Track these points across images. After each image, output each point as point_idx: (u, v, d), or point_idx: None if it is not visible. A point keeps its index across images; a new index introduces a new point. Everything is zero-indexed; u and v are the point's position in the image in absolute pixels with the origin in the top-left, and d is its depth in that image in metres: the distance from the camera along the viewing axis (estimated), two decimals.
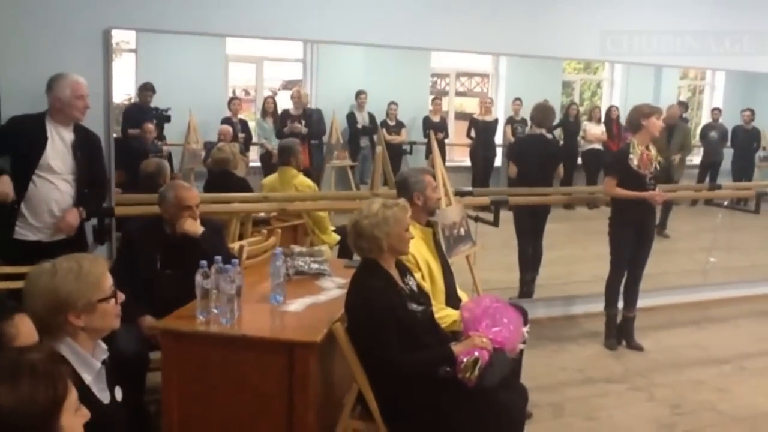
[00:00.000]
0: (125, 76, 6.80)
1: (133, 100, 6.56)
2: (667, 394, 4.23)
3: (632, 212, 4.72)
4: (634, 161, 4.64)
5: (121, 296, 2.05)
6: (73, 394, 1.42)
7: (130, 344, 3.05)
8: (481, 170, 8.10)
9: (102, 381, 1.98)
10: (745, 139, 8.83)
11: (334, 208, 5.50)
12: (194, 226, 3.42)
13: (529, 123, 6.19)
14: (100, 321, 1.99)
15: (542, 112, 5.65)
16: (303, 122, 6.86)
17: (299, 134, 6.64)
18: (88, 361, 1.94)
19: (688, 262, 6.57)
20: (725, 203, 6.74)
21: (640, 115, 4.69)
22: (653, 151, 4.75)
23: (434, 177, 3.77)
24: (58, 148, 3.60)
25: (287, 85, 8.46)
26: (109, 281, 2.03)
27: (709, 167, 8.49)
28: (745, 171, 8.75)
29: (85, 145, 3.69)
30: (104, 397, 1.96)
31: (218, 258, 2.94)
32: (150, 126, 6.08)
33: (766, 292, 6.32)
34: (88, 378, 1.91)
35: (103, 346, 2.04)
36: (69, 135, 3.63)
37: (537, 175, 5.58)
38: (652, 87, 9.08)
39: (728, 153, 8.77)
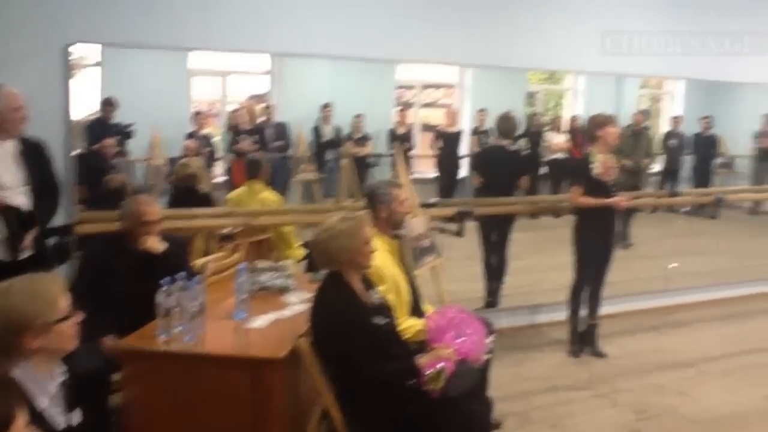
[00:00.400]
0: (90, 92, 6.73)
1: (96, 116, 6.49)
2: (631, 399, 4.29)
3: (597, 220, 4.80)
4: (596, 170, 4.73)
5: (79, 316, 2.02)
6: (20, 419, 1.39)
7: (91, 364, 3.00)
8: (446, 181, 8.14)
9: (59, 404, 1.95)
10: (704, 146, 9.04)
11: (300, 222, 5.49)
12: (155, 243, 3.39)
13: (494, 134, 6.25)
14: (57, 342, 1.95)
15: (506, 123, 5.71)
16: (257, 136, 6.84)
17: (248, 152, 6.62)
18: (45, 385, 1.91)
19: (649, 268, 6.68)
20: (685, 210, 6.88)
21: (595, 126, 4.79)
22: (613, 159, 4.84)
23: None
24: (4, 163, 3.52)
25: (253, 99, 8.45)
26: (66, 301, 1.99)
27: (670, 174, 8.66)
28: (705, 177, 8.95)
29: (31, 153, 3.61)
30: (60, 422, 1.93)
31: (181, 275, 2.93)
32: (109, 141, 6.00)
33: (726, 296, 6.46)
34: (43, 402, 1.89)
35: (61, 367, 2.01)
36: (12, 147, 3.55)
37: (501, 186, 5.64)
38: (613, 96, 9.25)
39: (688, 160, 8.96)
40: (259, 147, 6.52)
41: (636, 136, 7.78)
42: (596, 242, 4.84)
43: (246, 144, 6.83)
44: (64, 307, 1.98)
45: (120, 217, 3.46)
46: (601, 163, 4.74)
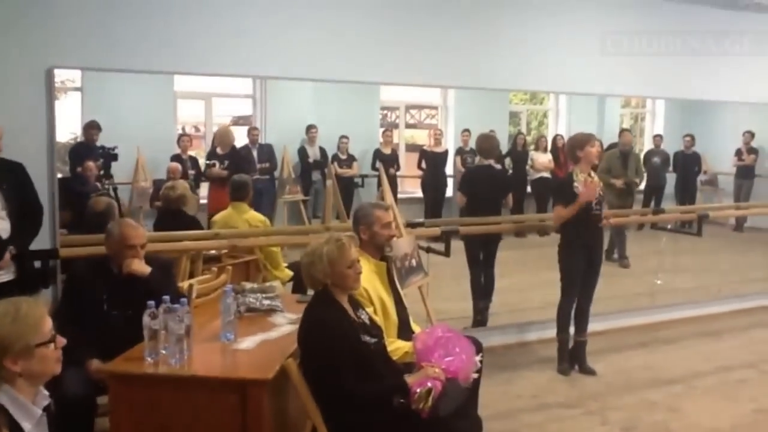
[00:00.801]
0: (71, 115, 6.71)
1: (78, 139, 6.47)
2: (621, 416, 4.28)
3: (581, 237, 4.82)
4: (579, 188, 4.76)
5: (62, 341, 1.99)
6: None
7: (77, 388, 2.97)
8: (432, 201, 8.18)
9: (44, 429, 1.92)
10: (687, 163, 9.16)
11: (287, 243, 5.48)
12: (141, 266, 3.36)
13: (476, 155, 6.29)
14: (39, 366, 1.92)
15: (487, 143, 5.75)
16: (226, 162, 6.81)
17: (219, 178, 6.61)
18: (28, 409, 1.89)
19: (636, 285, 6.71)
20: (669, 226, 6.94)
21: (575, 146, 4.84)
22: (596, 177, 4.88)
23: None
24: None
25: (237, 121, 8.47)
26: (48, 325, 1.96)
27: (653, 192, 8.75)
28: (688, 194, 9.05)
29: (8, 176, 3.60)
30: None
31: (166, 297, 2.90)
32: (91, 164, 5.98)
33: (711, 312, 6.49)
34: (27, 426, 1.86)
35: (45, 392, 1.98)
36: None
37: (486, 205, 5.66)
38: (595, 115, 9.37)
39: (671, 177, 9.06)
40: (230, 171, 6.47)
41: (624, 156, 7.86)
42: (580, 259, 4.86)
43: (216, 170, 6.82)
44: (46, 331, 1.95)
45: (105, 241, 3.42)
46: (582, 182, 4.77)
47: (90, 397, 3.06)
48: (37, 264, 3.93)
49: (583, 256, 4.86)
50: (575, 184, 4.77)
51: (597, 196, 4.80)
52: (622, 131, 8.25)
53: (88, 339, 3.11)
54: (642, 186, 8.81)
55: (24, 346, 1.89)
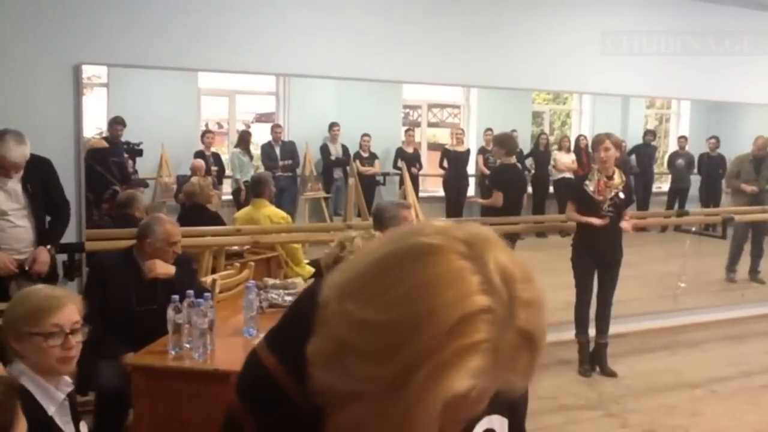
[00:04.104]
0: (97, 111, 6.78)
1: (103, 134, 6.54)
2: (641, 419, 4.25)
3: (588, 237, 4.82)
4: (590, 187, 4.76)
5: (72, 343, 1.97)
6: (20, 427, 1.40)
7: (111, 380, 3.03)
8: (454, 200, 8.15)
9: (66, 414, 1.95)
10: (711, 165, 9.04)
11: (308, 240, 5.50)
12: (165, 268, 3.37)
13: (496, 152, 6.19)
14: (36, 356, 1.93)
15: (511, 141, 5.75)
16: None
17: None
18: (50, 393, 1.93)
19: (658, 288, 6.65)
20: (693, 229, 6.86)
21: (593, 146, 4.96)
22: (618, 179, 4.83)
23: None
24: (7, 191, 3.59)
25: (260, 118, 8.51)
26: (54, 320, 1.95)
27: (678, 194, 8.66)
28: (713, 197, 8.94)
29: (35, 174, 3.66)
30: (69, 430, 1.94)
31: (190, 292, 2.93)
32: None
33: (734, 317, 6.41)
34: (51, 409, 1.89)
35: (68, 380, 2.01)
36: (18, 176, 3.62)
37: (512, 205, 5.67)
38: (619, 116, 9.28)
39: (695, 179, 8.96)
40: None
41: (757, 161, 7.37)
42: (588, 260, 4.85)
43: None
44: (46, 324, 1.94)
45: (143, 235, 3.40)
46: (595, 181, 4.76)
47: (123, 389, 3.09)
48: (64, 257, 4.00)
49: (591, 257, 4.84)
50: (587, 182, 4.79)
51: (611, 198, 4.77)
52: (759, 137, 7.60)
53: (118, 333, 3.14)
54: (665, 188, 8.73)
55: (21, 330, 1.93)
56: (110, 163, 5.35)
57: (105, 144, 5.75)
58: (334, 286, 0.77)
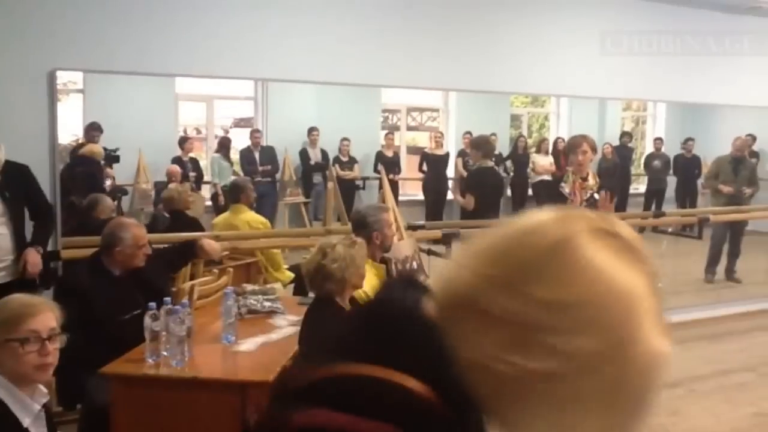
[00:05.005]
0: (72, 117, 6.72)
1: (80, 141, 6.48)
2: None
3: None
4: (566, 189, 4.80)
5: (49, 350, 1.95)
6: None
7: (101, 394, 2.97)
8: (433, 203, 8.18)
9: (42, 425, 1.93)
10: (687, 166, 9.16)
11: (288, 245, 5.48)
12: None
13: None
14: (13, 362, 1.91)
15: (489, 144, 5.78)
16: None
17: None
18: (26, 403, 1.90)
19: None
20: (670, 229, 6.93)
21: (568, 148, 4.99)
22: (592, 180, 4.87)
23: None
24: None
25: (239, 123, 8.48)
26: (30, 326, 1.94)
27: (654, 195, 8.76)
28: (689, 198, 9.05)
29: (13, 182, 3.59)
30: None
31: (167, 299, 2.91)
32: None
33: (712, 315, 6.48)
34: (26, 420, 1.87)
35: (44, 390, 1.99)
36: None
37: (489, 207, 5.68)
38: (596, 118, 9.37)
39: (671, 181, 9.07)
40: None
41: (736, 162, 7.36)
42: None
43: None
44: (22, 330, 1.93)
45: (111, 244, 3.33)
46: (570, 182, 4.81)
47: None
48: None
49: None
50: (562, 184, 4.83)
51: (585, 199, 4.82)
52: (737, 138, 7.54)
53: (108, 344, 3.09)
54: (642, 189, 8.81)
55: None
56: (75, 172, 5.27)
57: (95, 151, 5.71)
58: (486, 277, 0.76)
